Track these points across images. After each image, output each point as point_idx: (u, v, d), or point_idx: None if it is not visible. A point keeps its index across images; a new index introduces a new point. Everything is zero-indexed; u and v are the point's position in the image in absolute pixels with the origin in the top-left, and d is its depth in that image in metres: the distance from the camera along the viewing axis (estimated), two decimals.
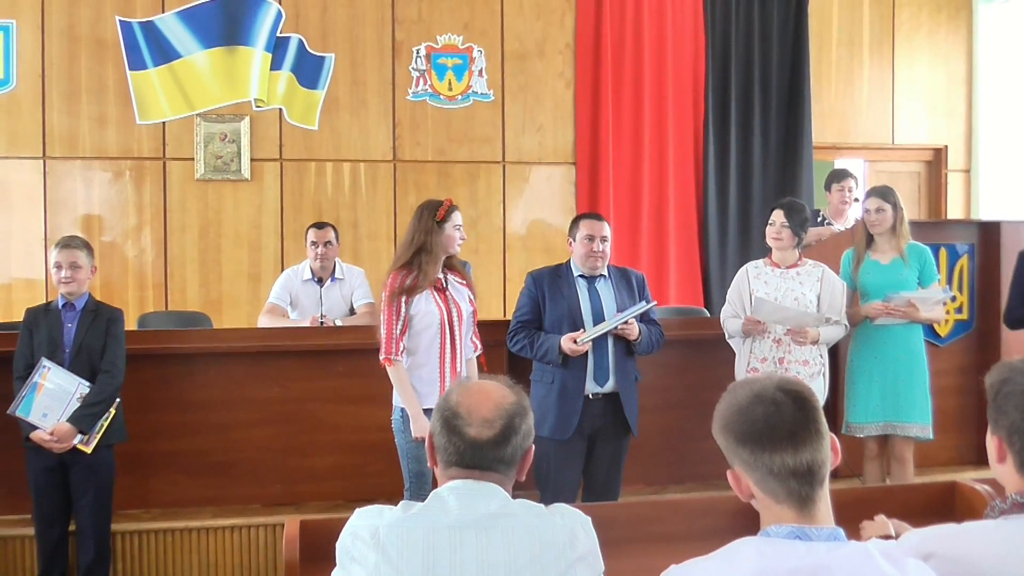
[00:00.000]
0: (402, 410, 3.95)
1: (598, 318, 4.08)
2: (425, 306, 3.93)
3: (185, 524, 4.42)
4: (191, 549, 4.40)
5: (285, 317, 5.23)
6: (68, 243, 4.13)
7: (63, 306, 4.12)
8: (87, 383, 4.02)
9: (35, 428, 3.96)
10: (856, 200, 5.87)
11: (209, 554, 4.40)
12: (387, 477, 4.54)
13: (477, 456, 1.82)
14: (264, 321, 5.25)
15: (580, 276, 4.18)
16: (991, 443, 1.81)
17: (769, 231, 4.47)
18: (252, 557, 4.42)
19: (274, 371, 4.72)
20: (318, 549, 2.23)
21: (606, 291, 4.18)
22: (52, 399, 3.96)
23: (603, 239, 4.14)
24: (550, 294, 4.13)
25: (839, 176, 6.03)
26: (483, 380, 1.94)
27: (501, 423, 1.82)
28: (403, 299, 3.90)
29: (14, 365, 4.07)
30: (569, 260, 4.24)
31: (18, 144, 6.67)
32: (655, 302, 4.33)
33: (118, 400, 4.11)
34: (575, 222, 4.25)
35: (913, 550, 1.74)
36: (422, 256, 3.93)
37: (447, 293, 4.01)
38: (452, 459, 1.83)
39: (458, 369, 4.02)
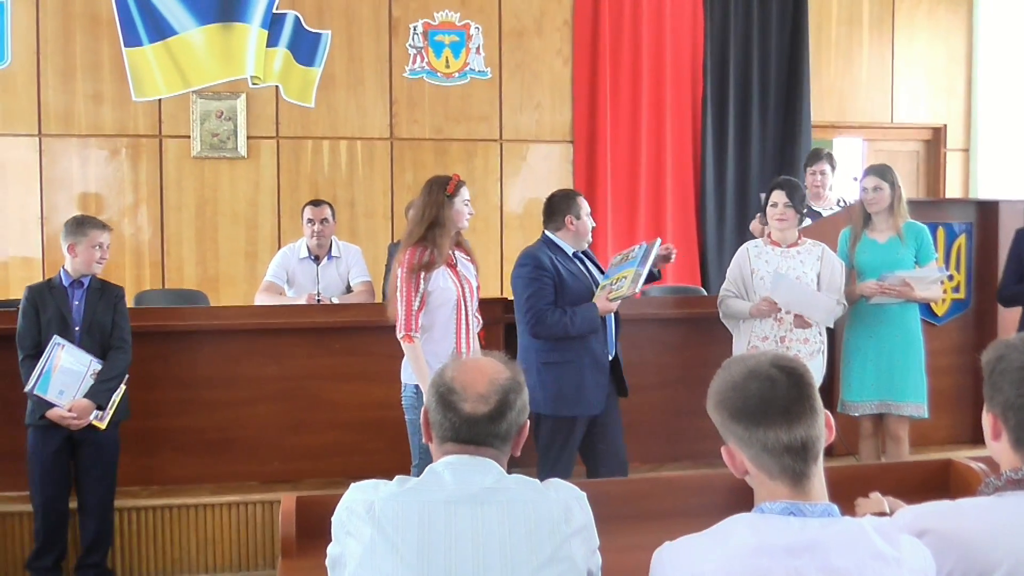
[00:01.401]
0: (415, 387, 3.92)
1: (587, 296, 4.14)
2: (443, 282, 3.94)
3: (183, 501, 4.43)
4: (190, 526, 4.42)
5: (282, 295, 5.23)
6: (106, 225, 4.23)
7: (70, 284, 4.13)
8: (98, 360, 4.07)
9: (49, 406, 3.98)
10: (822, 183, 5.80)
11: (207, 530, 4.42)
12: (385, 454, 4.55)
13: (472, 431, 1.82)
14: (261, 299, 5.24)
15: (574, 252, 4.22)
16: (986, 420, 1.82)
17: (772, 212, 4.48)
18: (250, 533, 4.44)
19: (272, 349, 4.72)
20: (314, 524, 2.24)
21: (590, 262, 4.29)
22: (68, 376, 3.99)
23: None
24: (564, 274, 4.12)
25: (812, 158, 5.94)
26: (478, 356, 1.95)
27: (496, 398, 1.83)
28: (421, 275, 3.89)
29: (20, 343, 4.07)
30: (550, 239, 4.22)
31: (13, 122, 6.64)
32: (658, 238, 4.36)
33: (127, 377, 4.15)
34: (573, 198, 4.24)
35: (907, 527, 1.74)
36: (436, 231, 3.92)
37: (457, 269, 4.03)
38: (447, 434, 1.84)
39: (471, 345, 4.03)
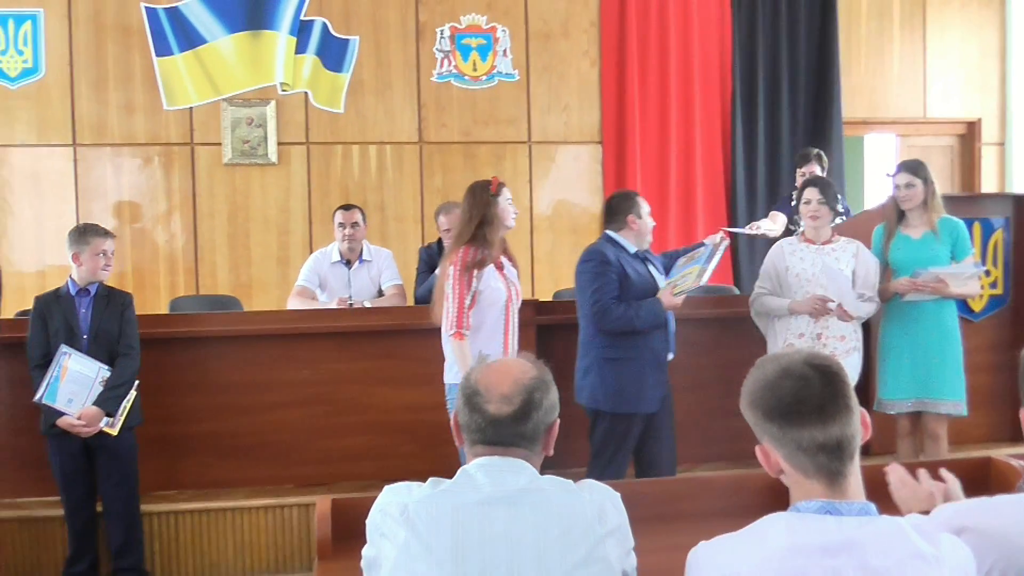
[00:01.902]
0: (456, 385, 3.93)
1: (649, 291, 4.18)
2: (493, 282, 3.98)
3: (219, 505, 4.47)
4: (225, 529, 4.45)
5: (314, 299, 5.25)
6: (109, 232, 4.25)
7: (77, 292, 4.17)
8: (107, 367, 4.09)
9: (59, 415, 4.01)
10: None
11: (243, 534, 4.45)
12: (417, 457, 4.57)
13: (498, 432, 1.83)
14: (293, 304, 5.27)
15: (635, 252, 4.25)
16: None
17: (805, 210, 4.47)
18: (285, 536, 4.46)
19: (305, 353, 4.74)
20: (349, 527, 2.25)
21: (650, 263, 4.31)
22: (76, 384, 4.02)
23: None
24: (627, 271, 4.13)
25: (802, 160, 5.93)
26: (506, 358, 1.95)
27: (520, 399, 1.83)
28: (473, 273, 3.92)
29: (29, 354, 4.11)
30: (612, 238, 4.23)
31: (48, 132, 6.73)
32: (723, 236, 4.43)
33: (137, 382, 4.17)
34: (633, 198, 4.27)
35: (945, 523, 1.73)
36: (485, 229, 3.98)
37: (504, 271, 4.06)
38: (475, 436, 1.85)
39: (516, 347, 4.06)
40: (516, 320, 4.09)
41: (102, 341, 4.13)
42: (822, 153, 5.98)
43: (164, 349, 4.59)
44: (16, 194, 6.73)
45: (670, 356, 4.23)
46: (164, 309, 6.20)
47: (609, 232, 4.25)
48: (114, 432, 4.07)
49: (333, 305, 5.10)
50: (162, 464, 4.53)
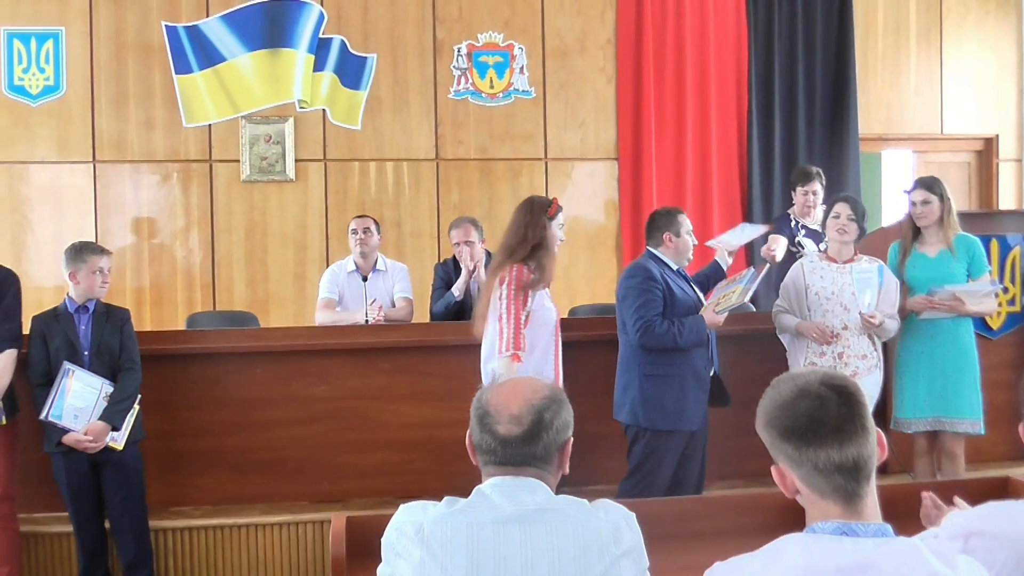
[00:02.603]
0: None
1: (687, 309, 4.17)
2: (547, 302, 3.98)
3: (233, 521, 4.47)
4: (239, 546, 4.45)
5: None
6: (105, 250, 4.29)
7: (76, 310, 4.19)
8: (110, 382, 4.11)
9: (65, 432, 4.03)
10: (813, 203, 5.75)
11: (257, 550, 4.45)
12: (433, 474, 4.57)
13: (509, 453, 1.82)
14: (323, 317, 5.32)
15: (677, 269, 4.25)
16: None
17: (833, 224, 4.44)
18: (300, 553, 4.46)
19: (320, 369, 4.76)
20: (364, 545, 2.25)
21: (681, 285, 4.28)
22: (80, 401, 4.04)
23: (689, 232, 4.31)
24: (672, 288, 4.13)
25: (804, 179, 5.82)
26: (518, 377, 1.95)
27: (530, 419, 1.83)
28: (528, 293, 3.89)
29: (29, 374, 4.12)
30: (654, 254, 4.24)
31: (68, 149, 6.80)
32: (756, 270, 4.41)
33: (139, 396, 4.19)
34: (673, 216, 4.26)
35: (958, 528, 1.77)
36: (541, 252, 3.94)
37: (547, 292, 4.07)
38: (487, 458, 1.85)
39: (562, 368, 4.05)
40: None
41: (103, 357, 4.14)
42: (821, 172, 5.94)
43: (181, 365, 4.62)
44: (36, 210, 6.79)
45: (712, 371, 4.21)
46: (181, 325, 6.23)
47: (650, 248, 4.25)
48: (119, 446, 4.08)
49: (360, 315, 5.13)
50: (177, 480, 4.54)
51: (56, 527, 4.35)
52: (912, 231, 4.60)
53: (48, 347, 4.12)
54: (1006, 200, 7.85)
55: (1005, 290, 5.20)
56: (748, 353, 4.92)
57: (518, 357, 3.85)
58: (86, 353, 4.13)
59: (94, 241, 4.47)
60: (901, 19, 7.72)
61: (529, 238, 3.93)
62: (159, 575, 4.35)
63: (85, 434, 4.02)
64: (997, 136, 7.87)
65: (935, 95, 7.77)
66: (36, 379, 4.10)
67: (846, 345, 4.35)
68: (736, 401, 4.80)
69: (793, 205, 5.83)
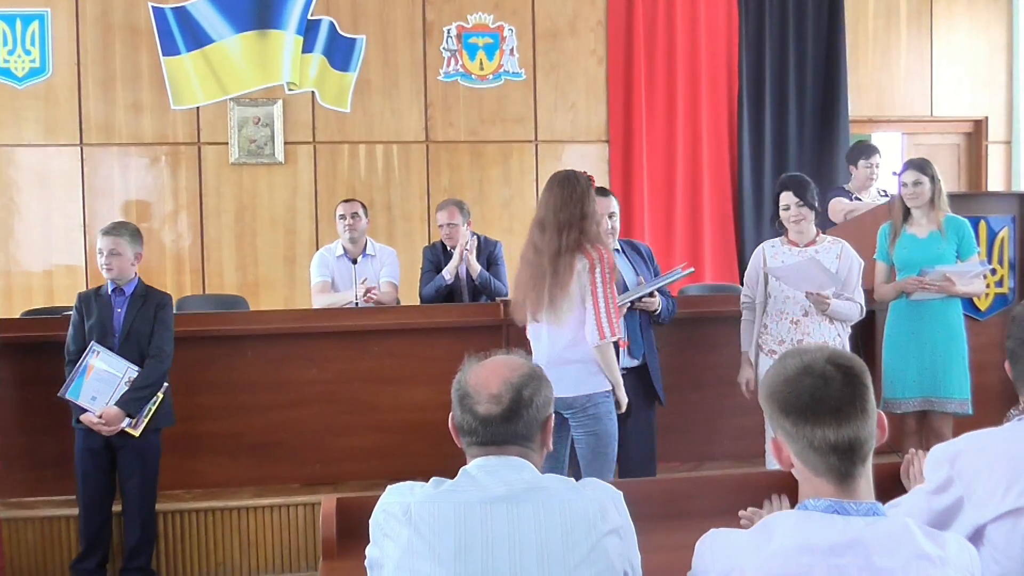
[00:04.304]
0: (607, 392, 3.68)
1: (621, 291, 4.03)
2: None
3: (226, 504, 4.48)
4: (232, 528, 4.46)
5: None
6: (110, 230, 4.19)
7: (113, 291, 4.18)
8: (136, 367, 4.08)
9: (85, 411, 4.03)
10: (876, 176, 5.82)
11: (250, 533, 4.46)
12: (424, 456, 4.56)
13: (489, 433, 1.82)
14: (321, 300, 5.32)
15: None
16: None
17: (786, 215, 4.31)
18: (292, 535, 4.47)
19: (312, 352, 4.75)
20: (354, 526, 2.25)
21: (623, 265, 4.19)
22: (101, 382, 4.03)
23: (612, 215, 4.15)
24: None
25: (868, 151, 5.92)
26: (498, 356, 1.94)
27: (509, 397, 1.82)
28: (614, 275, 3.71)
29: (66, 349, 4.13)
30: None
31: (56, 132, 6.76)
32: (692, 268, 4.34)
33: (166, 385, 4.17)
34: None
35: (942, 455, 1.94)
36: (596, 229, 3.71)
37: None
38: (470, 438, 1.85)
39: None
40: None
41: (133, 341, 4.12)
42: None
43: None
44: (24, 194, 6.75)
45: (631, 363, 4.08)
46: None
47: None
48: (136, 433, 4.07)
49: (350, 296, 5.14)
50: (169, 463, 4.52)
51: (53, 511, 4.35)
52: (902, 212, 4.60)
53: (84, 326, 4.12)
54: (995, 182, 7.87)
55: (993, 271, 5.22)
56: (733, 334, 4.89)
57: (622, 343, 3.75)
58: (117, 336, 4.11)
59: (115, 221, 4.38)
60: (892, 1, 7.72)
61: (588, 212, 3.66)
62: (153, 558, 4.36)
63: (100, 417, 4.01)
64: (986, 118, 7.88)
65: (925, 77, 7.78)
66: (69, 355, 4.10)
67: (805, 332, 4.23)
68: (723, 381, 4.82)
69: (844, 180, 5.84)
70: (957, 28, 7.79)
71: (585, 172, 3.81)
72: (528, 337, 3.83)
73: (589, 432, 3.67)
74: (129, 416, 4.05)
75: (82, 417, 4.04)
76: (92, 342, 4.05)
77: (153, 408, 4.11)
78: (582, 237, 3.62)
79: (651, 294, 4.07)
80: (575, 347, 3.64)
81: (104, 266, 4.16)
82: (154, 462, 4.20)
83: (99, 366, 4.03)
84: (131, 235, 4.21)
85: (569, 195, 3.68)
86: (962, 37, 7.80)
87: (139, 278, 4.26)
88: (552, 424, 1.91)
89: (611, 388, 3.70)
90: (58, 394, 4.03)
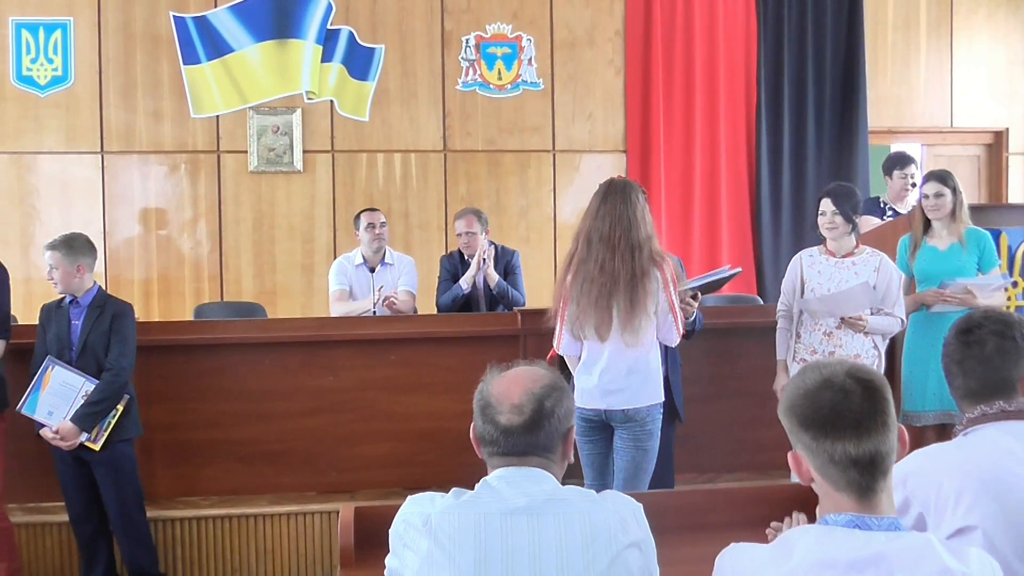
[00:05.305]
0: (663, 404, 3.73)
1: None
2: None
3: (241, 511, 4.48)
4: (248, 535, 4.46)
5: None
6: (48, 245, 4.13)
7: (69, 303, 4.10)
8: (94, 380, 3.99)
9: (42, 426, 3.99)
10: (914, 185, 5.78)
11: (265, 540, 4.46)
12: (440, 466, 4.57)
13: (511, 443, 1.82)
14: (339, 308, 5.34)
15: None
16: None
17: (821, 221, 4.35)
18: (307, 543, 4.47)
19: (328, 360, 4.76)
20: (372, 535, 2.25)
21: None
22: (57, 397, 3.96)
23: None
24: None
25: (903, 162, 5.90)
26: (520, 366, 1.93)
27: (531, 408, 1.81)
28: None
29: (32, 363, 4.07)
30: None
31: (76, 139, 6.80)
32: (739, 268, 4.34)
33: (127, 397, 4.08)
34: None
35: (896, 473, 1.86)
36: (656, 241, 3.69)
37: None
38: (491, 449, 1.84)
39: None
40: None
41: (90, 354, 4.01)
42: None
43: (188, 355, 4.63)
44: (44, 201, 6.80)
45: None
46: (189, 316, 6.24)
47: None
48: (96, 447, 3.99)
49: (368, 305, 5.14)
50: (185, 470, 4.55)
51: (64, 516, 4.33)
52: (922, 224, 4.57)
53: (46, 338, 4.07)
54: (1015, 194, 7.81)
55: (1015, 284, 5.17)
56: (752, 346, 4.89)
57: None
58: (74, 349, 4.03)
59: (59, 235, 4.29)
60: (911, 12, 7.68)
61: (653, 231, 3.65)
62: (167, 566, 4.37)
63: (56, 432, 3.96)
64: (1007, 129, 7.83)
65: (945, 88, 7.74)
66: (33, 368, 4.05)
67: (838, 344, 4.23)
68: (743, 393, 4.82)
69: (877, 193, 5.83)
70: (977, 39, 7.75)
71: (621, 176, 3.80)
72: (565, 352, 3.75)
73: (640, 447, 3.65)
74: (84, 431, 3.97)
75: (40, 432, 3.99)
76: (48, 356, 3.99)
77: (113, 421, 4.02)
78: (653, 255, 3.60)
79: (694, 295, 4.01)
80: (641, 360, 3.62)
81: (51, 280, 4.10)
82: (129, 473, 4.10)
83: (55, 380, 3.96)
84: (67, 248, 4.07)
85: (634, 212, 3.61)
86: (982, 48, 7.76)
87: (98, 287, 4.17)
88: (573, 435, 1.90)
89: (663, 400, 3.71)
90: (16, 408, 4.00)
